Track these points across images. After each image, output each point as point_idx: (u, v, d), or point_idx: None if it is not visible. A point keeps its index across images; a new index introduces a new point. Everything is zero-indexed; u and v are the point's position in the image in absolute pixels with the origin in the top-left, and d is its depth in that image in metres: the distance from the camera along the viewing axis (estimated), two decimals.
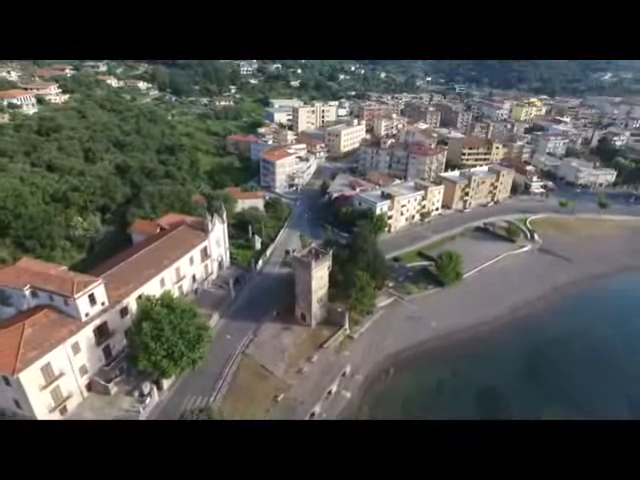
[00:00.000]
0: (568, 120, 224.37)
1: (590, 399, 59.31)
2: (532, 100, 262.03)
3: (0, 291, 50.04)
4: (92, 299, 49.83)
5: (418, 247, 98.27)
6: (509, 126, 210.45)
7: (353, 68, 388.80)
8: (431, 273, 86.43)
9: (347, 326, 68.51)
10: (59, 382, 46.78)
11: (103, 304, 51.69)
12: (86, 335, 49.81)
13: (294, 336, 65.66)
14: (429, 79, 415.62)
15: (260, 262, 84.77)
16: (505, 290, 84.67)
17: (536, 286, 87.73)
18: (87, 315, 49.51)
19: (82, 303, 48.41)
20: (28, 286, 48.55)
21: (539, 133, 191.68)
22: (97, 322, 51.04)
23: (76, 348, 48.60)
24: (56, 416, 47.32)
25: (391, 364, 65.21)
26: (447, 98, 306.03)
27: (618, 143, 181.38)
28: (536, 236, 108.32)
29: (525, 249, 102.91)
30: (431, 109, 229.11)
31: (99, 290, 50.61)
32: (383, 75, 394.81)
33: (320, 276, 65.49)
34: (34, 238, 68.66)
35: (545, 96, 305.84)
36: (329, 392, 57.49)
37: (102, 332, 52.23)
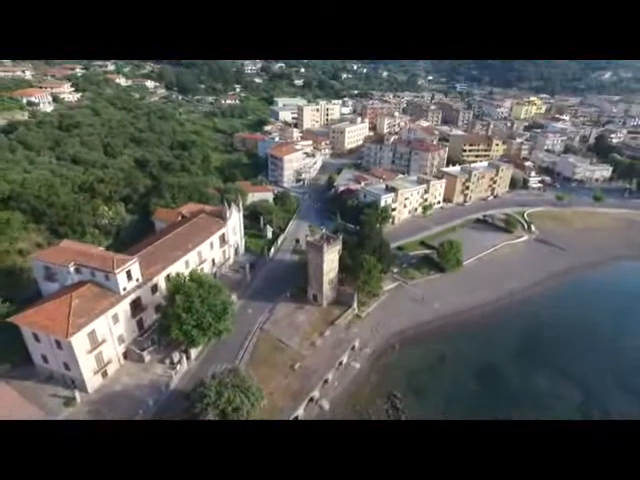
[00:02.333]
0: (567, 118, 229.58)
1: (577, 367, 65.70)
2: (532, 99, 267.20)
3: (47, 268, 55.66)
4: (129, 275, 55.45)
5: (420, 237, 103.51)
6: (509, 124, 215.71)
7: (355, 67, 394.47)
8: (433, 260, 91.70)
9: (355, 306, 73.95)
10: (102, 348, 52.45)
11: (137, 280, 57.28)
12: (123, 308, 55.43)
13: (307, 314, 71.22)
14: (430, 78, 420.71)
15: (272, 250, 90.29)
16: (503, 276, 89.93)
17: (532, 273, 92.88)
18: (125, 289, 55.12)
19: (121, 278, 54.02)
20: (72, 263, 54.13)
21: (538, 131, 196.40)
22: (133, 296, 56.69)
23: (115, 319, 54.25)
24: (98, 379, 52.99)
25: (397, 340, 70.68)
26: (448, 97, 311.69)
27: (615, 140, 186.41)
28: (533, 227, 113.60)
29: (522, 239, 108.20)
30: (433, 107, 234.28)
31: (135, 267, 56.21)
32: (385, 74, 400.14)
33: (331, 259, 70.97)
34: (66, 225, 74.32)
35: (545, 95, 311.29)
36: (340, 363, 63.07)
37: (137, 306, 57.90)
